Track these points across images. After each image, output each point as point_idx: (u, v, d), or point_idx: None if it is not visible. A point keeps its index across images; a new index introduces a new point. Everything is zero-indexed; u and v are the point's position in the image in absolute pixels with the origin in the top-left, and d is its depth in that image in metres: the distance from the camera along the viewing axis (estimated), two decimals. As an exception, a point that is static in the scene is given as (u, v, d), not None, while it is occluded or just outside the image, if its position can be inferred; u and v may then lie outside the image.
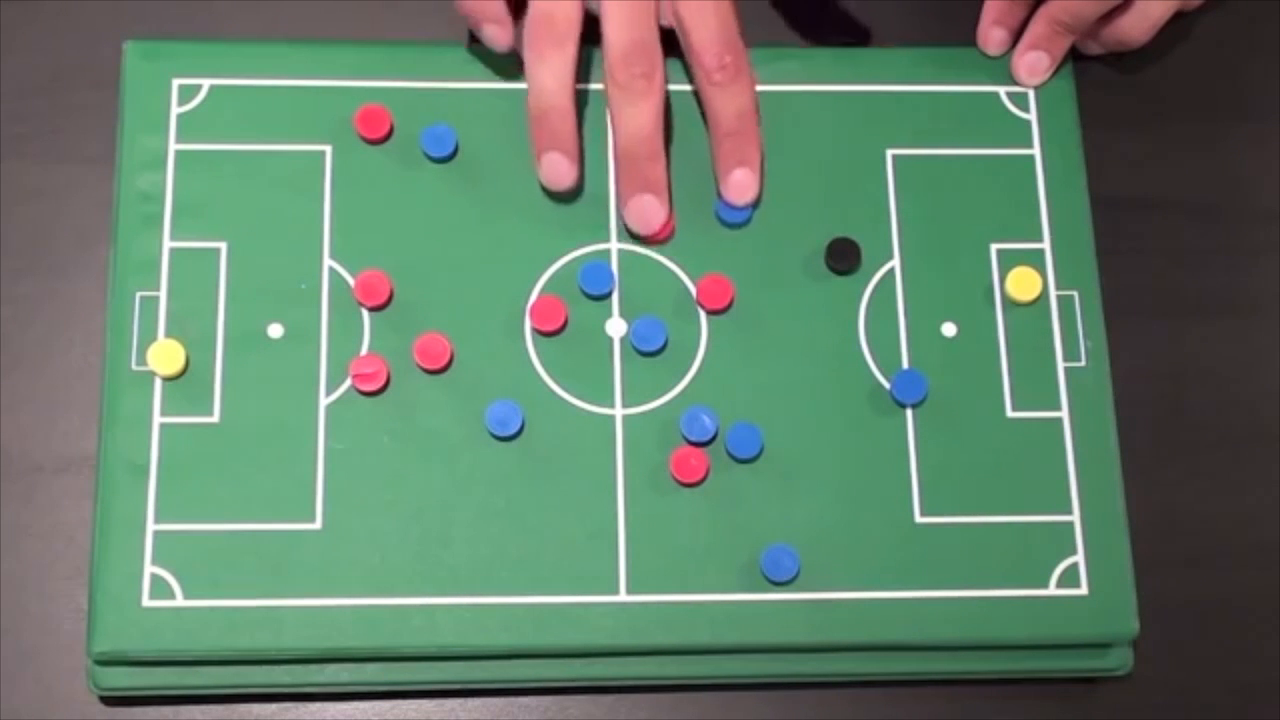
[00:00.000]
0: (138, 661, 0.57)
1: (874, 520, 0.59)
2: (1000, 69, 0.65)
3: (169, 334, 0.59)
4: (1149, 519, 0.61)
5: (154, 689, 0.57)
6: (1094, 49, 0.66)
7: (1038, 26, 0.63)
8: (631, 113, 0.60)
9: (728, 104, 0.61)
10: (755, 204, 0.62)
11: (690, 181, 0.62)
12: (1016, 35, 0.64)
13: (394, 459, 0.59)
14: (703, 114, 0.62)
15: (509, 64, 0.63)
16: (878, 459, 0.60)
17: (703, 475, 0.59)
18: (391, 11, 0.66)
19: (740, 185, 0.61)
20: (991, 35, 0.64)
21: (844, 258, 0.61)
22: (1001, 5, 0.64)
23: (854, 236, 0.62)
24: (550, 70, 0.59)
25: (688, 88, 0.63)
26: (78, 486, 0.60)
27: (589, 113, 0.63)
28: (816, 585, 0.58)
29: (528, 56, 0.60)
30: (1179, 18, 0.66)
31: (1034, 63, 0.64)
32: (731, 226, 0.62)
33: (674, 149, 0.63)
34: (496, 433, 0.59)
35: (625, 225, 0.61)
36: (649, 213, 0.61)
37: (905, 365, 0.61)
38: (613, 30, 0.60)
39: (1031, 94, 0.64)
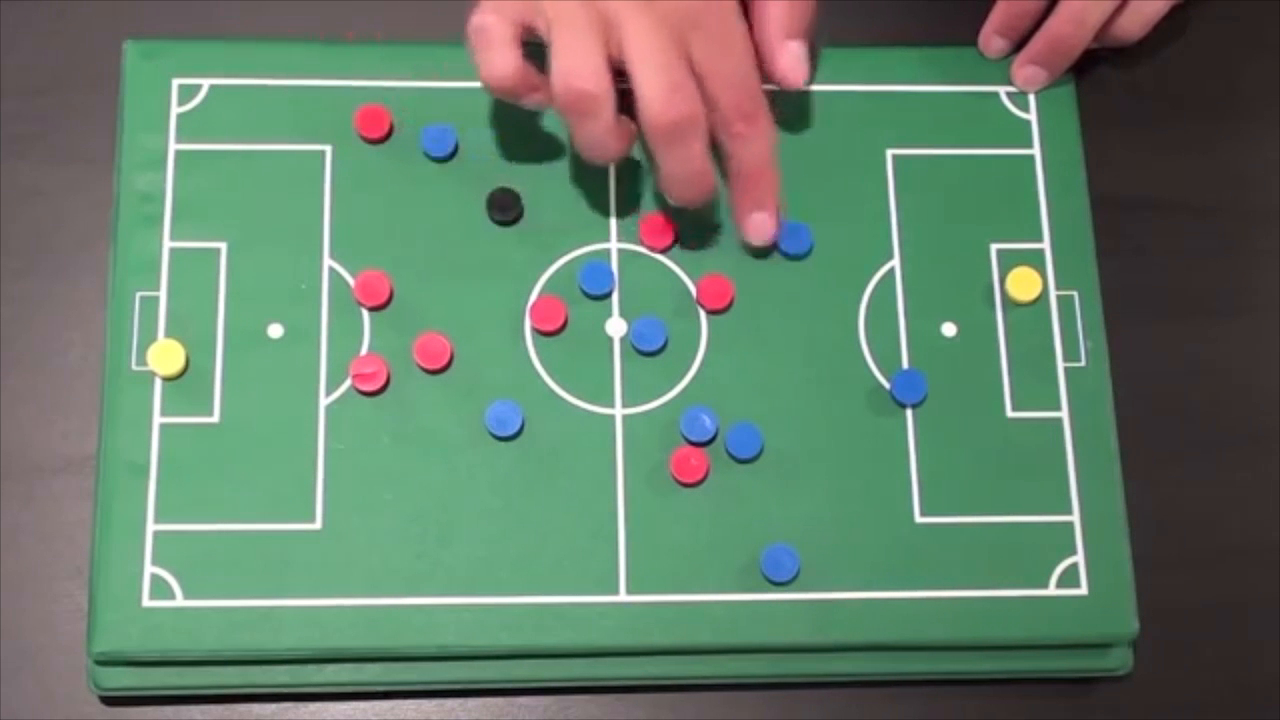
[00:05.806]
0: (138, 661, 0.57)
1: (874, 520, 0.59)
2: (1001, 69, 0.65)
3: (169, 334, 0.59)
4: (1149, 519, 0.61)
5: (154, 689, 0.57)
6: (1090, 44, 0.66)
7: (1038, 44, 0.63)
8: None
9: (748, 152, 0.59)
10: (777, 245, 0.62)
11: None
12: (1017, 45, 0.64)
13: (394, 459, 0.59)
14: (717, 154, 0.59)
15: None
16: (877, 459, 0.60)
17: (703, 475, 0.59)
18: (392, 11, 0.66)
19: (760, 227, 0.60)
20: (992, 43, 0.65)
21: (505, 209, 0.61)
22: (1005, 15, 0.64)
23: (854, 236, 0.62)
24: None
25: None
26: (78, 486, 0.60)
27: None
28: (816, 585, 0.58)
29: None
30: (1175, 12, 0.65)
31: (1031, 75, 0.64)
32: (792, 258, 0.61)
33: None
34: (496, 433, 0.59)
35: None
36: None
37: (905, 365, 0.61)
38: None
39: (1031, 94, 0.64)
